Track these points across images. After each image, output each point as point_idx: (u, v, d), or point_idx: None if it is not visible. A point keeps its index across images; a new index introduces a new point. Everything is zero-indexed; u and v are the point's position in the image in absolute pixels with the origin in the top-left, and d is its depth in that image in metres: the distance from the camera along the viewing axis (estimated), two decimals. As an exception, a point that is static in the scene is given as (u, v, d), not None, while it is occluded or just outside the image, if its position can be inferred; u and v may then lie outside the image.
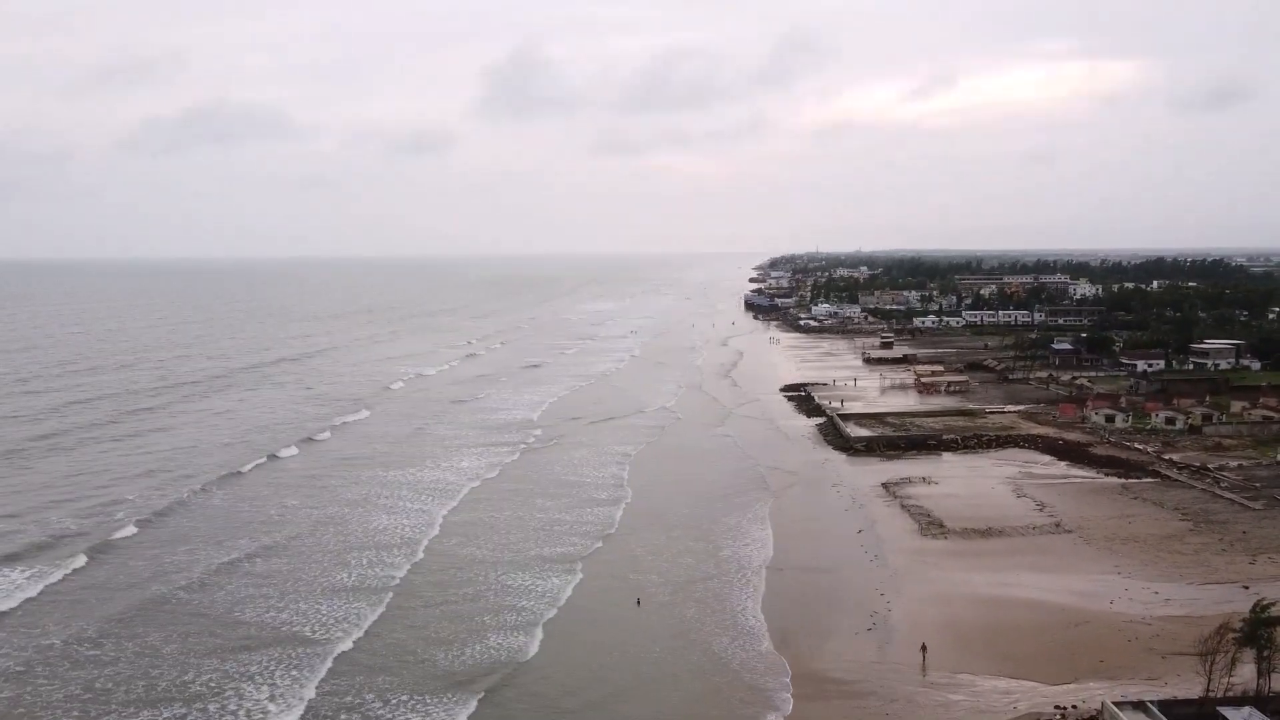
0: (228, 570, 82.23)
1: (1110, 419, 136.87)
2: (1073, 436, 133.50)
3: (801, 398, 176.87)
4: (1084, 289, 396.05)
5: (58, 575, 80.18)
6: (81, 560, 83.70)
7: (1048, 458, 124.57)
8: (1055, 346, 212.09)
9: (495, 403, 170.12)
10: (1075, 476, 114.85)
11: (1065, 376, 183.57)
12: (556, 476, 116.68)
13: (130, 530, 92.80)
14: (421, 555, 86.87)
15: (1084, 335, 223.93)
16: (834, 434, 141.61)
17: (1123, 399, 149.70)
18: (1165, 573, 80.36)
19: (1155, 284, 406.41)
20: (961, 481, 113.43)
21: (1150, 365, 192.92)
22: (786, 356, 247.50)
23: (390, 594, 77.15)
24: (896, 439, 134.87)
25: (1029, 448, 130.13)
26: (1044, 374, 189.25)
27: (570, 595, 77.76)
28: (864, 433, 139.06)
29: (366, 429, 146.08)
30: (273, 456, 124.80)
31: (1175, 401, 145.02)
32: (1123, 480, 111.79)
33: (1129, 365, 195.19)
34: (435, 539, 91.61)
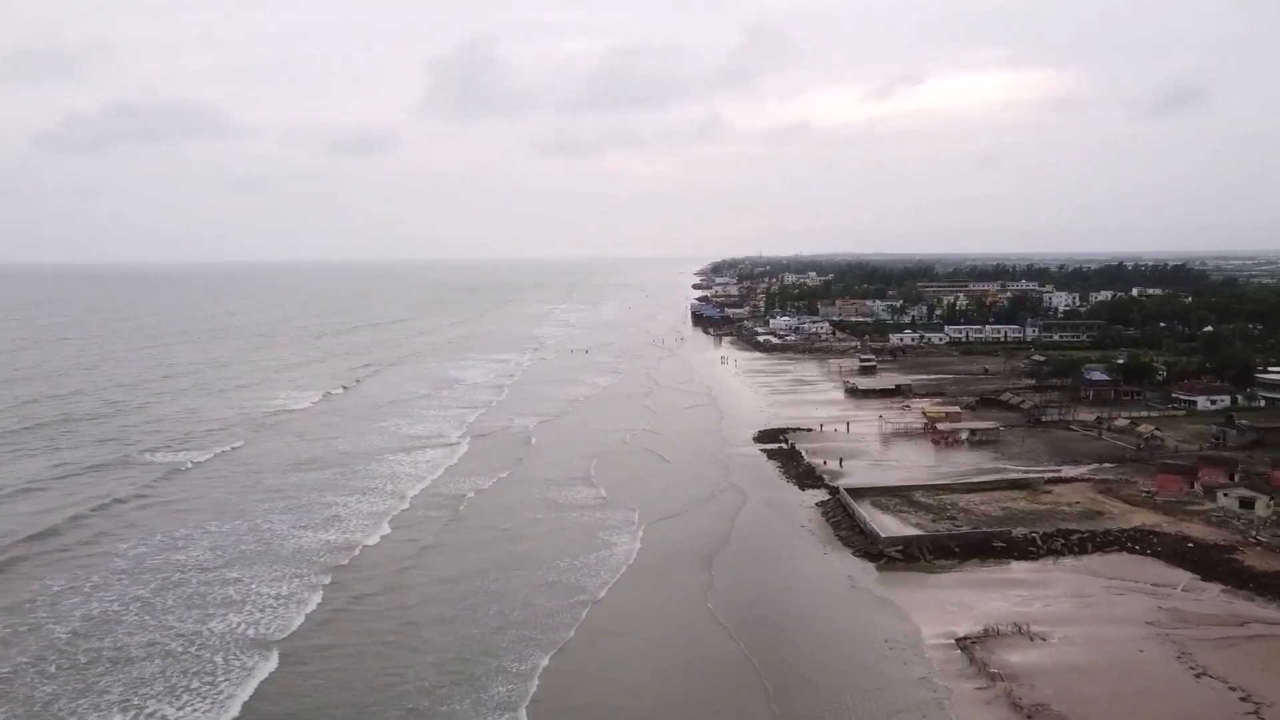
0: None
1: (1247, 504, 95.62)
2: (1198, 531, 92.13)
3: (786, 453, 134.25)
4: (1060, 298, 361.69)
5: None
6: None
7: (1182, 574, 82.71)
8: (1090, 377, 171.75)
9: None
10: (1255, 619, 73.06)
11: (1119, 420, 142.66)
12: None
13: None
14: None
15: (1120, 362, 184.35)
16: (849, 525, 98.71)
17: (1239, 467, 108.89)
18: None
19: (1136, 291, 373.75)
20: (1080, 634, 70.90)
21: (1213, 402, 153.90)
22: (750, 384, 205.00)
23: None
24: (945, 541, 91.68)
25: (1142, 551, 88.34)
26: (1089, 415, 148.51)
27: None
28: (893, 525, 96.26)
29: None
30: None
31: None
32: (1334, 627, 70.49)
33: (1186, 401, 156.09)
34: None
